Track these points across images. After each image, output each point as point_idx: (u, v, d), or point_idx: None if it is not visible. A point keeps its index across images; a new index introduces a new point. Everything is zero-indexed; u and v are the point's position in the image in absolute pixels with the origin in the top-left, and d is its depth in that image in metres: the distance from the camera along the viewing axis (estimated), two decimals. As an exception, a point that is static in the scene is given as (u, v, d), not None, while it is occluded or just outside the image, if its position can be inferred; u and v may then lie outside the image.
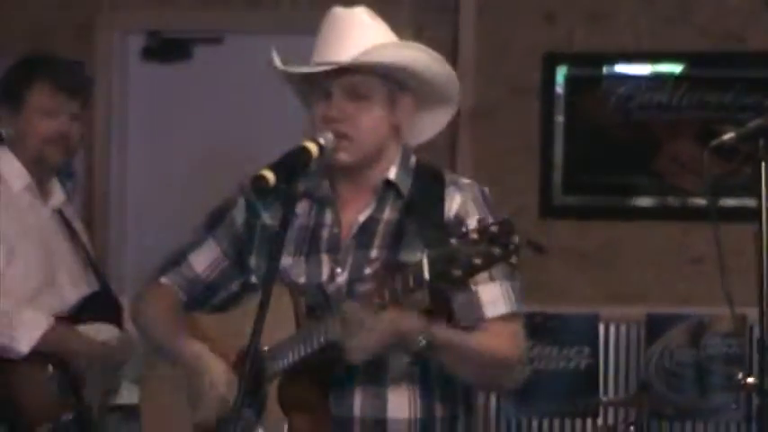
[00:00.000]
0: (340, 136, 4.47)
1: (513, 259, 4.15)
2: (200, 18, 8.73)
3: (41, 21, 8.59)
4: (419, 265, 4.10)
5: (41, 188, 6.26)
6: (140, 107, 8.68)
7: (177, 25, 8.75)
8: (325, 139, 4.41)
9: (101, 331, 6.23)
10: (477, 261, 4.05)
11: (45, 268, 6.21)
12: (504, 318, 4.55)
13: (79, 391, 6.15)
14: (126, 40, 8.82)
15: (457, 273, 4.07)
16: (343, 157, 4.50)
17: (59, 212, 6.39)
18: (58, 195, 6.39)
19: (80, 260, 6.42)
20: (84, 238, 6.55)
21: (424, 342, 4.24)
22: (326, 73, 4.52)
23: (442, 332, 4.33)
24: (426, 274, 4.07)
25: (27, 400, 6.07)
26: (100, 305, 6.30)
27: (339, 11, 4.65)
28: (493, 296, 4.55)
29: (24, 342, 5.96)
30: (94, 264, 6.47)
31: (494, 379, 4.84)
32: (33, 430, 6.06)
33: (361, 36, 4.60)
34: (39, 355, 6.02)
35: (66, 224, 6.42)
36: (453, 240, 4.11)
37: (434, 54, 4.66)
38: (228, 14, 8.54)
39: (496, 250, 4.08)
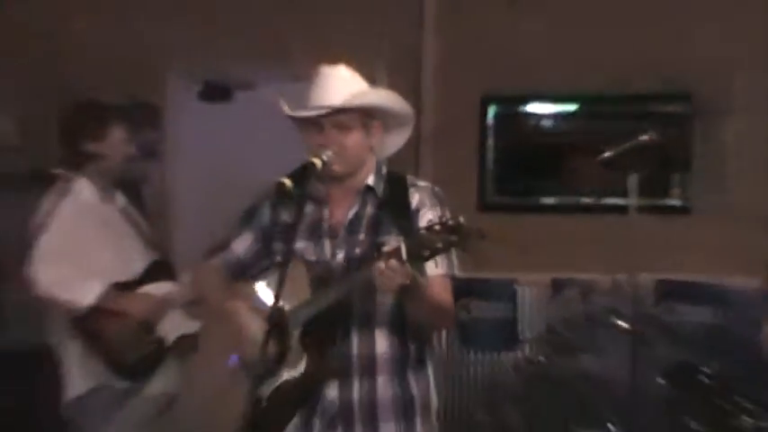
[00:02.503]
0: (338, 156, 4.66)
1: (464, 244, 4.30)
2: (238, 69, 8.66)
3: (129, 67, 8.49)
4: (399, 249, 4.26)
5: (108, 197, 6.44)
6: (196, 136, 8.69)
7: (222, 74, 8.72)
8: (327, 155, 4.60)
9: (161, 287, 6.32)
10: (439, 245, 4.24)
11: (117, 251, 6.31)
12: (441, 276, 4.73)
13: (153, 329, 6.27)
14: (189, 84, 8.82)
15: (425, 254, 4.27)
16: (336, 168, 4.68)
17: (125, 210, 6.50)
18: (120, 200, 6.51)
19: (142, 241, 6.49)
20: (144, 226, 6.63)
21: (408, 282, 4.36)
22: (328, 112, 4.70)
23: (420, 278, 4.45)
24: (404, 256, 4.25)
25: (111, 339, 6.17)
26: (160, 270, 6.40)
27: (326, 68, 4.82)
28: (435, 268, 4.69)
29: (85, 297, 6.04)
30: (153, 244, 6.57)
31: (438, 320, 5.00)
32: (123, 359, 6.15)
33: (343, 86, 4.77)
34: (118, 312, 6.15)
35: (131, 219, 6.53)
36: (423, 231, 4.29)
37: (395, 95, 4.88)
38: (260, 67, 8.44)
39: (453, 238, 4.24)
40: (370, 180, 4.88)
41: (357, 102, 4.73)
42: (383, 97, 4.90)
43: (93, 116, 6.46)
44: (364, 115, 4.79)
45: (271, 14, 8.46)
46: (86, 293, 6.05)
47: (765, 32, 7.80)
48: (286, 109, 4.84)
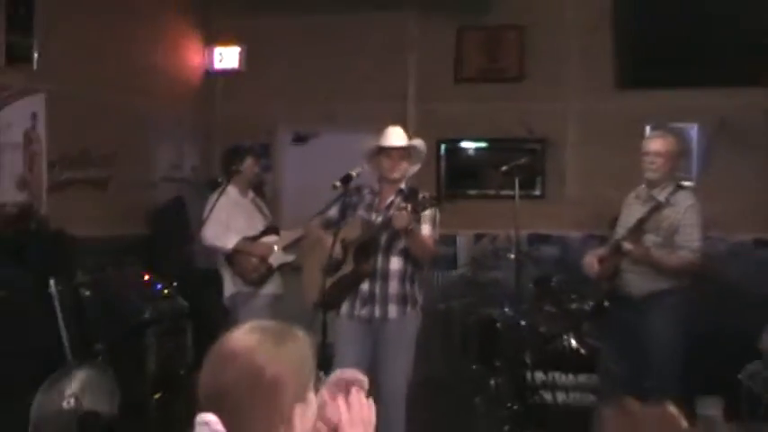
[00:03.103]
0: (397, 169, 5.05)
1: (438, 205, 4.91)
2: (310, 126, 8.53)
3: (256, 125, 8.43)
4: (407, 206, 4.70)
5: (245, 193, 6.47)
6: (290, 161, 8.60)
7: (302, 129, 8.58)
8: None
9: (271, 239, 6.32)
10: (427, 204, 4.75)
11: (248, 222, 6.36)
12: (430, 236, 5.02)
13: (266, 260, 6.27)
14: (287, 134, 8.65)
15: (421, 209, 4.77)
16: (396, 176, 5.06)
17: (253, 200, 6.55)
18: (250, 194, 6.55)
19: (262, 217, 6.53)
20: (264, 209, 6.64)
21: (411, 227, 4.72)
22: (392, 147, 5.05)
23: (417, 227, 4.81)
24: (410, 211, 4.68)
25: (244, 265, 6.24)
26: (271, 230, 6.42)
27: (392, 127, 5.13)
28: (426, 228, 4.99)
29: (228, 245, 6.18)
30: (268, 217, 6.59)
31: (425, 255, 5.13)
32: (250, 276, 6.25)
33: (403, 136, 5.11)
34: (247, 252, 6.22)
35: (256, 204, 6.58)
36: (419, 197, 4.81)
37: (422, 142, 5.22)
38: (322, 125, 8.38)
39: (433, 202, 4.81)
40: (402, 186, 5.13)
41: (414, 143, 5.11)
42: (420, 143, 5.17)
43: (237, 152, 6.55)
44: (408, 152, 5.09)
45: (327, 98, 8.34)
46: (229, 242, 6.18)
47: (579, 106, 7.78)
48: (384, 143, 5.06)
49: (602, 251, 5.60)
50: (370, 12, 8.17)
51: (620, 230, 5.47)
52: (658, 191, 5.34)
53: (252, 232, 6.29)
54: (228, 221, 6.22)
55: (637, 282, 5.34)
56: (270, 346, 1.76)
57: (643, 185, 5.48)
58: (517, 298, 5.78)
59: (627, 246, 5.21)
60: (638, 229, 5.27)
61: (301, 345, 1.81)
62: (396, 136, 5.06)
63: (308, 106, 8.40)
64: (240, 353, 1.75)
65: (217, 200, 6.22)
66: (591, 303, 5.73)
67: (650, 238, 5.28)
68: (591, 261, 5.51)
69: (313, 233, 5.39)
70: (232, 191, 6.33)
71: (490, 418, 6.54)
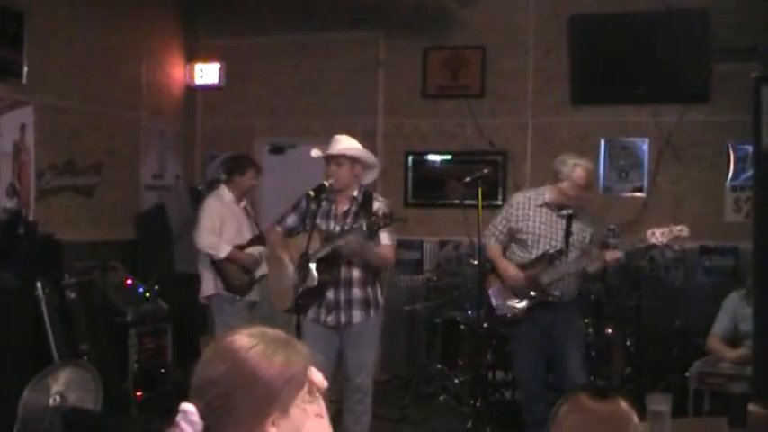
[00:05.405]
0: (334, 177, 4.87)
1: (393, 224, 4.70)
2: (286, 138, 8.46)
3: (240, 138, 8.42)
4: (362, 225, 4.61)
5: (239, 201, 6.33)
6: (269, 170, 8.23)
7: (279, 141, 8.53)
8: (330, 181, 4.85)
9: (257, 249, 6.18)
10: (382, 224, 4.61)
11: (238, 229, 6.24)
12: (388, 244, 4.96)
13: (250, 271, 6.18)
14: (264, 146, 8.59)
15: (375, 227, 4.62)
16: (336, 185, 4.89)
17: (244, 208, 6.40)
18: (243, 203, 6.38)
19: (251, 224, 6.39)
20: (253, 216, 6.53)
21: (359, 249, 4.73)
22: (331, 155, 4.90)
23: (367, 246, 4.76)
24: (365, 228, 4.60)
25: (230, 274, 6.11)
26: (258, 239, 6.22)
27: (338, 136, 4.99)
28: (385, 237, 4.91)
29: (222, 254, 6.02)
30: (257, 225, 6.45)
31: (383, 265, 5.23)
32: (233, 284, 6.14)
33: (340, 144, 4.95)
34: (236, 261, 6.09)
35: (247, 212, 6.42)
36: (374, 217, 4.66)
37: (365, 150, 5.05)
38: (297, 137, 8.27)
39: (389, 220, 4.63)
40: (355, 193, 4.99)
41: (343, 153, 4.89)
42: (354, 151, 4.97)
43: (241, 162, 6.48)
44: (350, 160, 4.91)
45: (303, 112, 8.36)
46: (222, 251, 6.06)
47: (537, 121, 7.72)
48: (315, 153, 4.95)
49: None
50: (343, 33, 8.25)
51: (541, 240, 5.42)
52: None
53: (240, 240, 6.21)
54: (221, 227, 6.18)
55: (563, 288, 5.39)
56: (267, 350, 1.70)
57: (544, 195, 5.49)
58: (479, 301, 5.72)
59: (612, 254, 5.20)
60: (567, 242, 5.34)
61: (298, 358, 1.74)
62: (334, 144, 4.96)
63: (285, 119, 8.47)
64: (236, 350, 1.69)
65: (209, 203, 6.21)
66: (524, 306, 5.61)
67: (572, 249, 5.38)
68: (516, 273, 5.38)
69: (272, 246, 5.34)
70: (227, 195, 6.28)
71: (453, 414, 6.58)
